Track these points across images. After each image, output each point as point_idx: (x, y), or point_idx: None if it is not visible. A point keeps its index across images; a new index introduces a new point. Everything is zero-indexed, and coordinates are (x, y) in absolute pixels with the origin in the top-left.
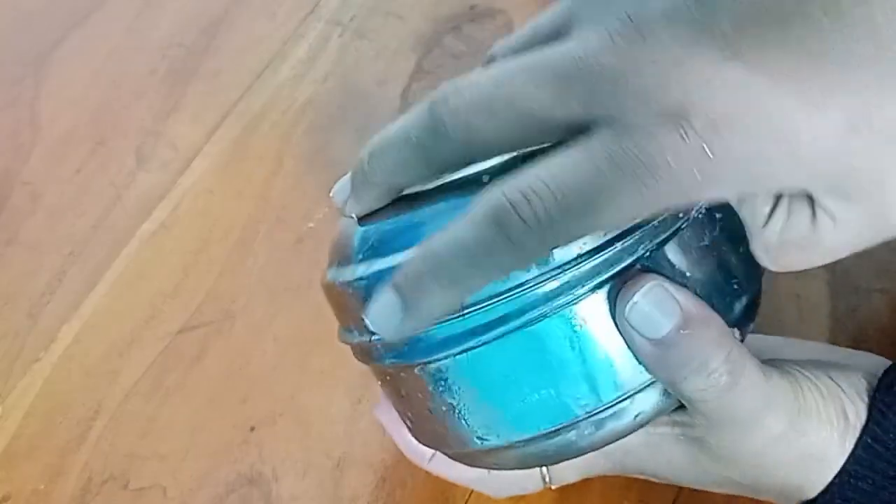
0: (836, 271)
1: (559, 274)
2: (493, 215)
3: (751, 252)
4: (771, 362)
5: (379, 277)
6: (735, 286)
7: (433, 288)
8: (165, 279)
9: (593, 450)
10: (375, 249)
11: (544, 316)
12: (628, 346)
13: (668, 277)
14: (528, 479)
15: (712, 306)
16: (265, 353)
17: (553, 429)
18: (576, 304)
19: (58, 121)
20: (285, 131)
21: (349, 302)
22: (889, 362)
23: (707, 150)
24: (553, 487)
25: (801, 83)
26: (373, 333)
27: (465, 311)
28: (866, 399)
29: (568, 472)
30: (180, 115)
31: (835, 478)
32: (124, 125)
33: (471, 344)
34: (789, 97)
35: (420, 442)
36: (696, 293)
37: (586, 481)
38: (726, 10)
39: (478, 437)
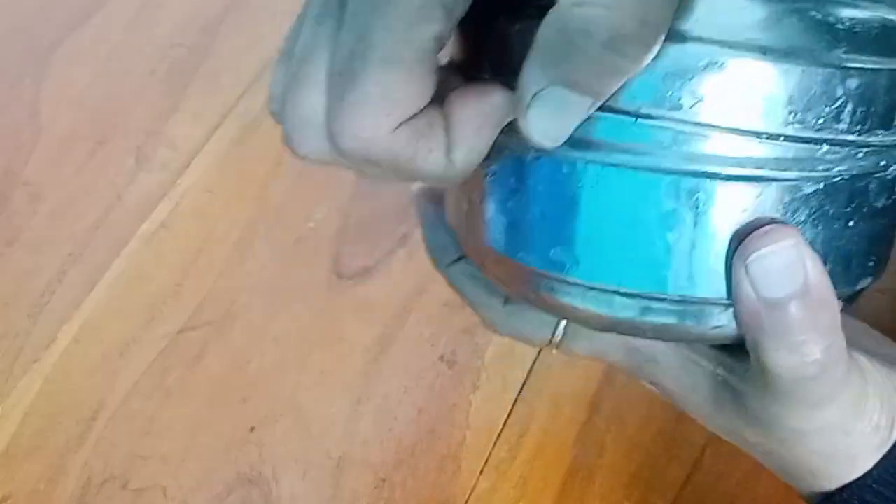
0: None
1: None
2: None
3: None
4: (848, 350)
5: None
6: (871, 264)
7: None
8: (165, 279)
9: (653, 338)
10: None
11: (696, 175)
12: (733, 288)
13: (824, 218)
14: (540, 331)
15: (840, 275)
16: (265, 353)
17: (634, 292)
18: (728, 183)
19: (58, 121)
20: None
21: None
22: None
23: None
24: (555, 352)
25: None
26: None
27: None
28: None
29: (581, 343)
30: (180, 116)
31: (859, 478)
32: (124, 125)
33: (625, 160)
34: None
35: (492, 246)
36: (835, 255)
37: (587, 481)
38: None
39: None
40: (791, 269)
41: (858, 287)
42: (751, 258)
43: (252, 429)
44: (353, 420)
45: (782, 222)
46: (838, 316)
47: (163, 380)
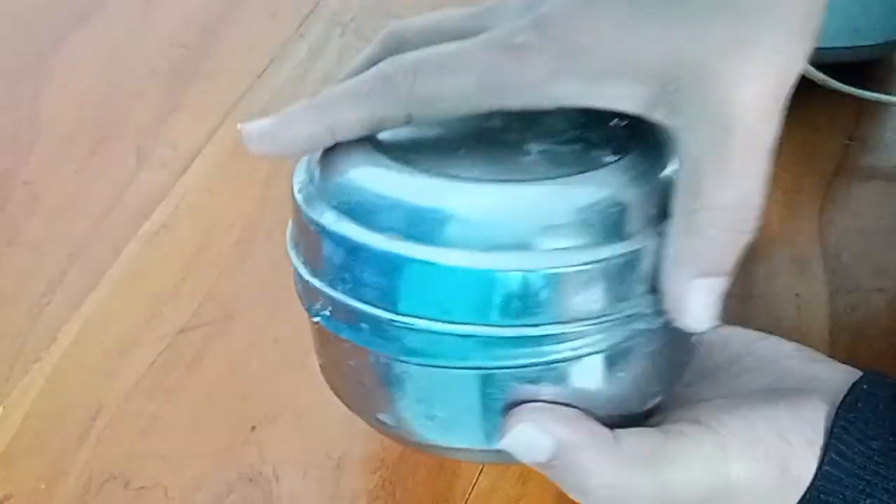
0: (836, 271)
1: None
2: (376, 71)
3: (682, 359)
4: (710, 429)
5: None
6: (657, 388)
7: (308, 111)
8: (166, 279)
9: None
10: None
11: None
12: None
13: (600, 380)
14: None
15: (626, 404)
16: (265, 353)
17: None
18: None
19: (58, 121)
20: None
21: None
22: (858, 374)
23: (548, 44)
24: None
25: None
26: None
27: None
28: (823, 425)
29: None
30: (181, 116)
31: (805, 497)
32: (125, 125)
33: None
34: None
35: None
36: (616, 399)
37: None
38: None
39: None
40: (535, 443)
41: (649, 406)
42: (506, 439)
43: (253, 428)
44: (353, 420)
45: (544, 401)
46: (607, 444)
47: (163, 379)
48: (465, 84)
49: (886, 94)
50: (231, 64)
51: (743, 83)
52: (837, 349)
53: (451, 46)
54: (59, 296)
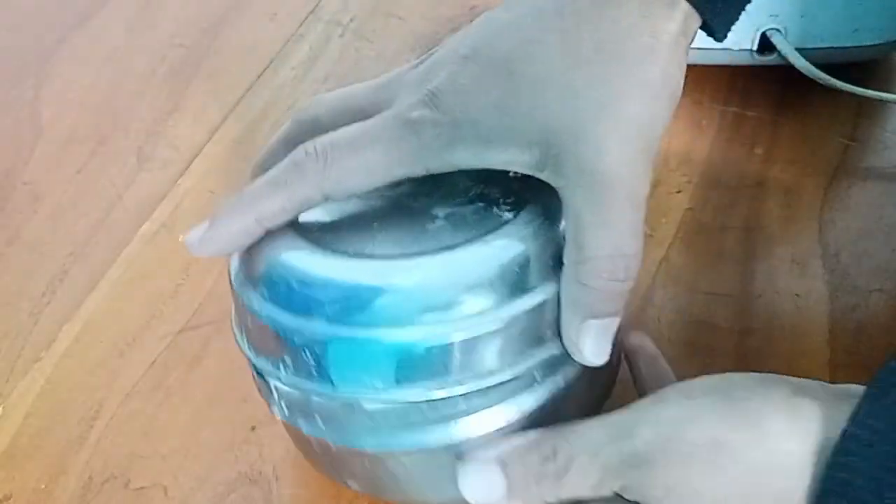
0: (836, 271)
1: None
2: (292, 156)
3: (599, 391)
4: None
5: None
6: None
7: (236, 209)
8: (166, 279)
9: None
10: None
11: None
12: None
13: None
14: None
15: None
16: None
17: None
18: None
19: (59, 121)
20: None
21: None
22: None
23: (440, 117)
24: None
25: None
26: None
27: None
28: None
29: None
30: (181, 116)
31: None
32: (125, 125)
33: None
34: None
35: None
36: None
37: None
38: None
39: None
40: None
41: None
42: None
43: (253, 428)
44: None
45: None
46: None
47: (164, 379)
48: (372, 160)
49: (886, 93)
50: (231, 64)
51: (611, 143)
52: (837, 349)
53: (355, 128)
54: (59, 296)
